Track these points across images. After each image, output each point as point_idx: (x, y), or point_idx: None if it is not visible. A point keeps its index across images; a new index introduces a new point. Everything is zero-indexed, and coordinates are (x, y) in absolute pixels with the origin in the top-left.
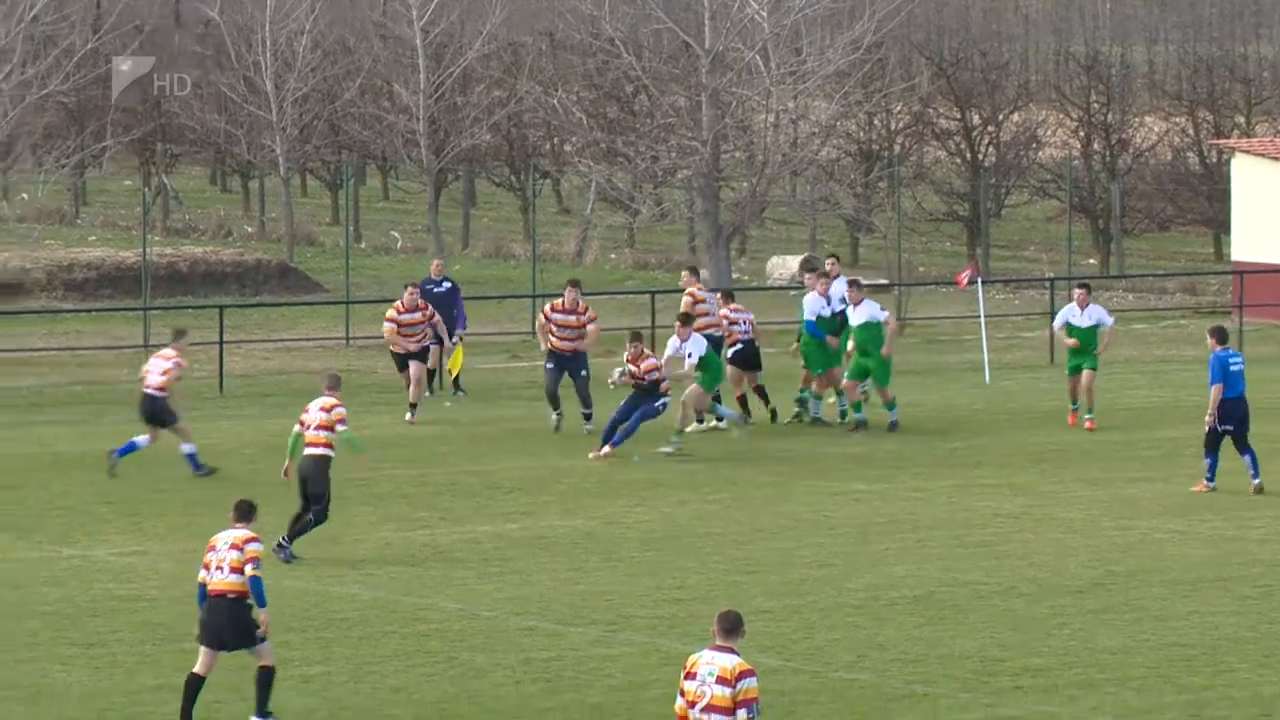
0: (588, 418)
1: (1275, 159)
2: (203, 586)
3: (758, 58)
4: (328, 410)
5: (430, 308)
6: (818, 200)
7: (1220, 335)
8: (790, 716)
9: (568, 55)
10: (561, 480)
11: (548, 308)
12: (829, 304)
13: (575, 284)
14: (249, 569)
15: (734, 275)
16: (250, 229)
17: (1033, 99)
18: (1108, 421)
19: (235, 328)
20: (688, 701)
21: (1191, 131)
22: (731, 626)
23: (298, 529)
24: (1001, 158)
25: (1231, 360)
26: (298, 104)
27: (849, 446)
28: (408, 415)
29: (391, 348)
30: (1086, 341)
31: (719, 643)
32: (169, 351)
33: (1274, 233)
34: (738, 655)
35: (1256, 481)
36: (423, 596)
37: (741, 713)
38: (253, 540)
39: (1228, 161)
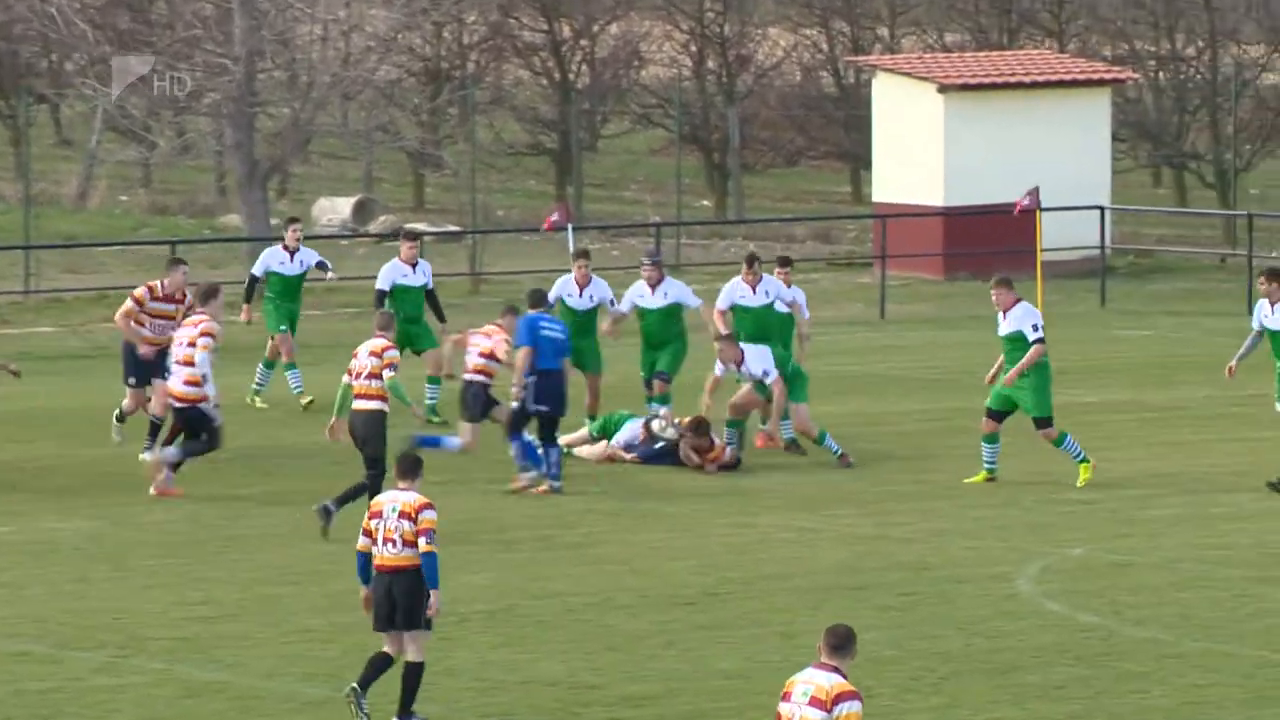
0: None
1: (923, 79)
2: (364, 556)
3: None
4: (378, 354)
5: None
6: (374, 130)
7: (537, 299)
8: None
9: None
10: (59, 472)
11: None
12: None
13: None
14: (423, 543)
15: (273, 220)
16: None
17: (634, 7)
18: (719, 399)
19: None
20: None
21: (825, 46)
22: (840, 643)
23: (348, 494)
24: (597, 78)
25: (544, 324)
26: None
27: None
28: None
29: None
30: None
31: (822, 660)
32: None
33: (922, 169)
34: (841, 676)
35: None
36: None
37: None
38: (426, 507)
39: (868, 83)
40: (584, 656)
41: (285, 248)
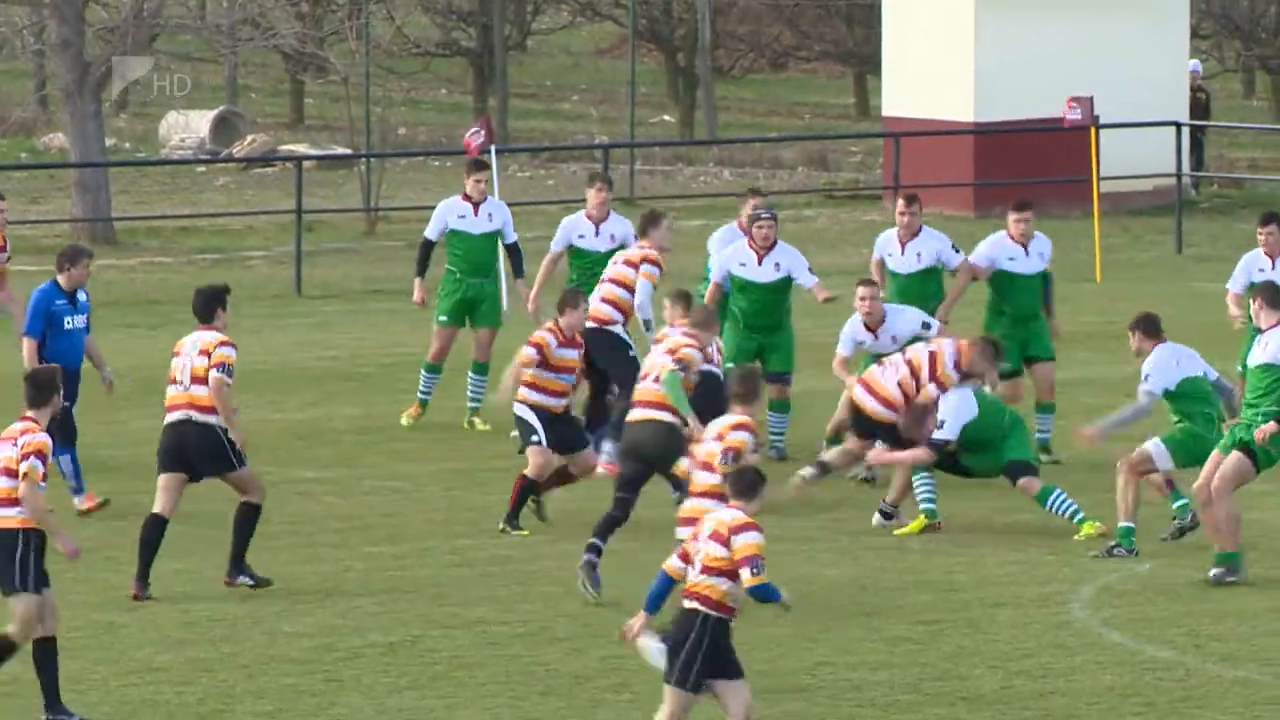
0: None
1: None
2: (668, 581)
3: None
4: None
5: None
6: (240, 23)
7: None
8: None
9: None
10: None
11: None
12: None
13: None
14: (746, 575)
15: (109, 141)
16: None
17: None
18: None
19: None
20: None
21: None
22: None
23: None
24: None
25: None
26: None
27: (294, 412)
28: None
29: None
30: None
31: None
32: None
33: (946, 75)
34: None
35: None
36: None
37: None
38: (747, 528)
39: None
40: (511, 702)
41: (466, 197)
